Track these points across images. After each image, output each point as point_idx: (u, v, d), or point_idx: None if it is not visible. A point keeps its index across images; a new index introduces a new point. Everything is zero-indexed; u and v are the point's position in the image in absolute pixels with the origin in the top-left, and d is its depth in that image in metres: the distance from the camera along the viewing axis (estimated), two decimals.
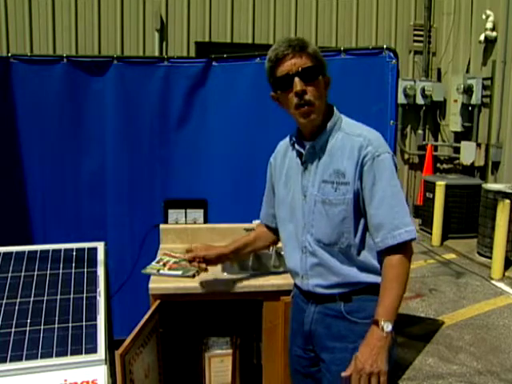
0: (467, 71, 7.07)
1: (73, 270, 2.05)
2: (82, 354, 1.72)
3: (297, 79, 1.48)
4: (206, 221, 2.84)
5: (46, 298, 1.91)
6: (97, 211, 3.04)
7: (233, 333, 2.37)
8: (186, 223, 2.82)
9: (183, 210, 2.82)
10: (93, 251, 2.16)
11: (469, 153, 6.74)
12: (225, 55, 3.03)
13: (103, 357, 1.73)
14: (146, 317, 1.91)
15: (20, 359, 1.68)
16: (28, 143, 2.96)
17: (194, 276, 2.14)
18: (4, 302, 1.88)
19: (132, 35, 6.72)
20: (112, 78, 2.98)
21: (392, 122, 2.72)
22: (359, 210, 1.53)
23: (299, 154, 1.62)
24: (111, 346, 1.93)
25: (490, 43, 6.56)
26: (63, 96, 2.96)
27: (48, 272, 2.03)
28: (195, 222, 2.83)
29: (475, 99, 6.69)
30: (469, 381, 3.09)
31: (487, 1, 6.66)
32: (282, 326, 2.12)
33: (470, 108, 6.89)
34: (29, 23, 6.41)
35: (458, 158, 7.05)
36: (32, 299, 1.90)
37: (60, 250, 2.15)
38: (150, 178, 3.06)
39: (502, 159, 6.40)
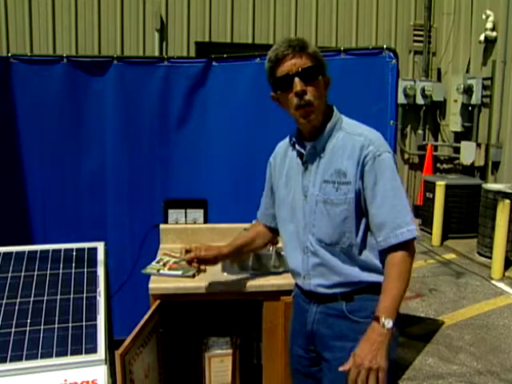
0: (467, 71, 7.07)
1: (73, 270, 2.05)
2: (81, 354, 1.72)
3: (297, 79, 1.48)
4: (206, 221, 2.84)
5: (45, 297, 1.91)
6: (97, 211, 3.03)
7: (233, 333, 2.37)
8: (186, 223, 2.82)
9: (183, 210, 2.82)
10: (93, 251, 2.16)
11: (469, 153, 6.74)
12: (225, 55, 3.03)
13: (103, 357, 1.73)
14: (146, 317, 1.91)
15: (20, 359, 1.68)
16: (28, 143, 2.96)
17: (193, 276, 2.15)
18: (4, 302, 1.88)
19: (132, 35, 6.72)
20: (112, 77, 2.98)
21: (392, 121, 2.72)
22: (361, 209, 1.53)
23: (300, 155, 1.62)
24: (111, 346, 1.93)
25: (489, 43, 6.56)
26: (63, 96, 2.96)
27: (48, 272, 2.03)
28: (195, 222, 2.83)
29: (475, 99, 6.69)
30: (469, 381, 3.09)
31: (487, 1, 6.66)
32: (282, 326, 2.12)
33: (469, 108, 6.89)
34: (29, 23, 6.41)
35: (458, 158, 7.05)
36: (32, 299, 1.90)
37: (60, 250, 2.15)
38: (150, 178, 3.06)
39: (502, 159, 6.40)
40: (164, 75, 3.00)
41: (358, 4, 7.31)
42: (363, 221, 1.54)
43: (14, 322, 1.80)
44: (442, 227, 6.16)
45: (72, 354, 1.71)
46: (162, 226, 2.77)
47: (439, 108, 7.63)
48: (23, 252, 2.11)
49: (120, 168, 3.04)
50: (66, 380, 1.67)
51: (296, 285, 1.74)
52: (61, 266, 2.07)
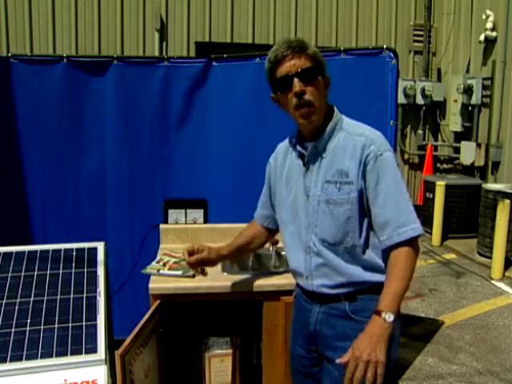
0: (467, 71, 7.06)
1: (73, 270, 2.05)
2: (81, 354, 1.72)
3: (296, 80, 1.48)
4: (206, 221, 2.84)
5: (45, 298, 1.91)
6: (97, 211, 3.04)
7: (233, 333, 2.37)
8: (186, 223, 2.82)
9: (183, 210, 2.82)
10: (93, 251, 2.16)
11: (469, 153, 6.74)
12: (225, 55, 3.03)
13: (103, 357, 1.73)
14: (146, 317, 1.92)
15: (20, 359, 1.68)
16: (28, 143, 2.96)
17: (194, 276, 2.15)
18: (4, 301, 1.88)
19: (132, 35, 6.72)
20: (112, 78, 2.98)
21: (392, 121, 2.72)
22: (363, 209, 1.53)
23: (301, 155, 1.62)
24: (111, 346, 1.93)
25: (489, 43, 6.56)
26: (63, 96, 2.96)
27: (48, 272, 2.03)
28: (195, 222, 2.83)
29: (475, 99, 6.69)
30: (469, 381, 3.10)
31: (487, 1, 6.66)
32: (282, 326, 2.12)
33: (469, 108, 6.89)
34: (29, 23, 6.40)
35: (458, 158, 7.05)
36: (32, 299, 1.90)
37: (60, 250, 2.15)
38: (150, 178, 3.06)
39: (502, 159, 6.40)
40: (164, 75, 3.00)
41: (357, 4, 7.30)
42: (366, 220, 1.54)
43: (14, 322, 1.80)
44: (441, 227, 6.16)
45: (72, 354, 1.71)
46: (161, 226, 2.77)
47: (439, 108, 7.62)
48: (23, 252, 2.11)
49: (120, 168, 3.04)
50: (65, 380, 1.67)
51: (297, 285, 1.73)
52: (61, 266, 2.07)
